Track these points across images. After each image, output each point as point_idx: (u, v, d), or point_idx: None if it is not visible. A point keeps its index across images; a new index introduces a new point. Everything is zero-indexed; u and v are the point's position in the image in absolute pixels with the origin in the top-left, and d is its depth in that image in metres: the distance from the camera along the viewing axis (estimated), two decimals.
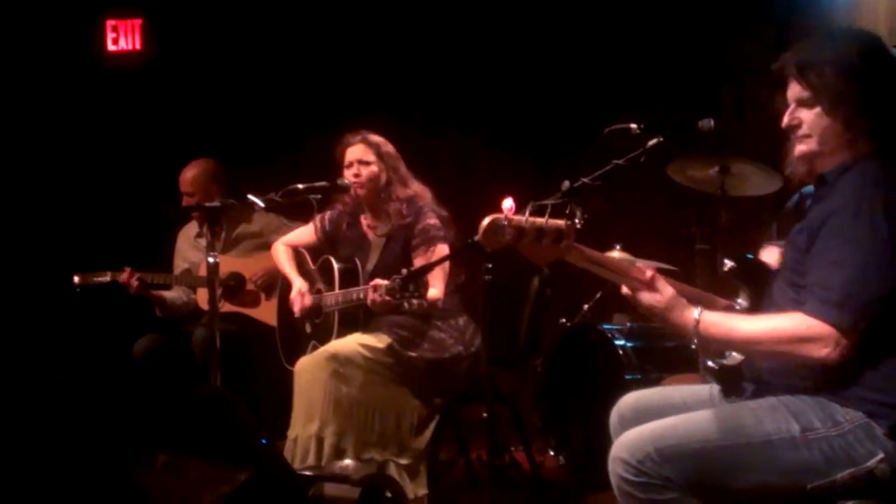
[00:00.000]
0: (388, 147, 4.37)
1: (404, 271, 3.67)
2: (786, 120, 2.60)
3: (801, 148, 2.59)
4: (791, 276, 2.55)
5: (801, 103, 2.56)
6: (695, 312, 2.51)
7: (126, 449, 2.81)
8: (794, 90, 2.57)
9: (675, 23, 5.60)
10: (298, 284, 4.43)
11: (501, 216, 2.47)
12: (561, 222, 2.47)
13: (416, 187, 4.38)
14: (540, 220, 2.46)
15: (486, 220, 2.47)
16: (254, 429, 3.11)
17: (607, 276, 2.62)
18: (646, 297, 2.54)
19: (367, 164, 4.31)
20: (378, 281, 3.89)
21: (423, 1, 6.09)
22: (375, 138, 4.36)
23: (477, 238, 2.50)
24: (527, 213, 2.48)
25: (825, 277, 2.41)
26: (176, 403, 3.10)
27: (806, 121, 2.56)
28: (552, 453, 4.70)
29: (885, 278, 2.38)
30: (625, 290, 2.59)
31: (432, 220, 4.27)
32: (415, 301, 3.78)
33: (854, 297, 2.37)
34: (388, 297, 3.76)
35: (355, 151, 4.33)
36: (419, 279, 3.67)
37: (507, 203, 2.61)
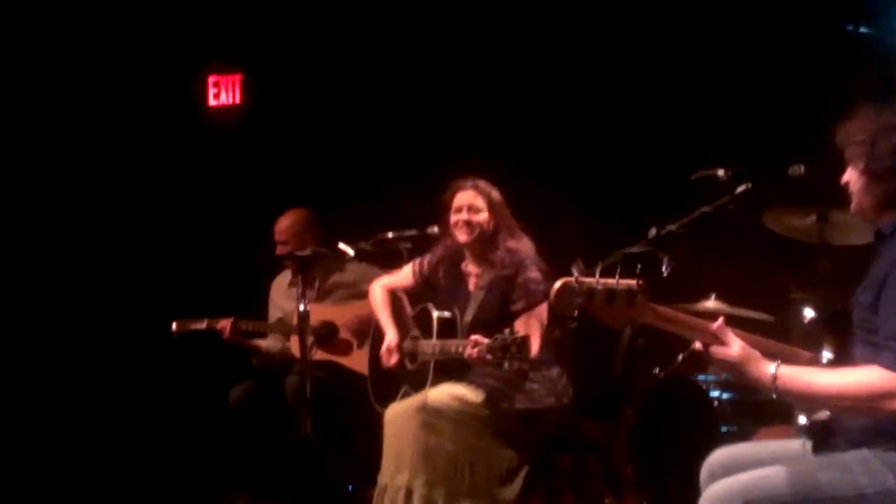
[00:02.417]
0: (498, 195, 4.37)
1: (507, 331, 3.67)
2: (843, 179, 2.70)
3: (852, 205, 2.68)
4: (865, 335, 2.53)
5: (848, 163, 2.66)
6: (771, 367, 2.48)
7: (207, 491, 2.85)
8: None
9: (773, 67, 5.51)
10: (390, 336, 4.42)
11: (572, 279, 2.46)
12: (632, 281, 2.45)
13: (523, 239, 4.37)
14: (611, 281, 2.44)
15: (558, 284, 2.47)
16: (340, 474, 3.11)
17: (683, 334, 2.59)
18: (718, 352, 2.50)
19: (478, 210, 4.31)
20: (479, 338, 3.88)
21: (510, 52, 6.10)
22: (486, 186, 4.36)
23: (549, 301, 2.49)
24: (597, 274, 2.46)
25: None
26: (264, 449, 3.13)
27: (851, 180, 2.65)
28: None
29: None
30: (697, 345, 2.55)
31: (534, 274, 4.22)
32: (515, 363, 3.73)
33: None
34: (487, 356, 3.75)
35: (466, 197, 4.33)
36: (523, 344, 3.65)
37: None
